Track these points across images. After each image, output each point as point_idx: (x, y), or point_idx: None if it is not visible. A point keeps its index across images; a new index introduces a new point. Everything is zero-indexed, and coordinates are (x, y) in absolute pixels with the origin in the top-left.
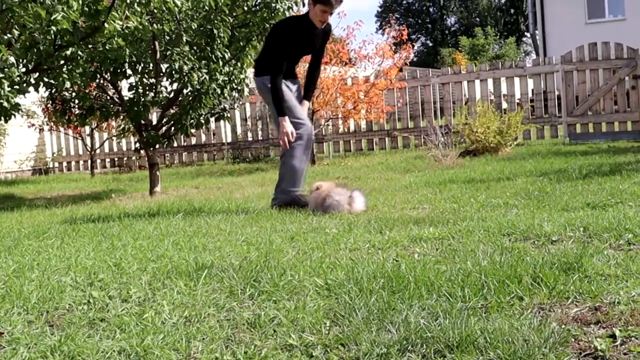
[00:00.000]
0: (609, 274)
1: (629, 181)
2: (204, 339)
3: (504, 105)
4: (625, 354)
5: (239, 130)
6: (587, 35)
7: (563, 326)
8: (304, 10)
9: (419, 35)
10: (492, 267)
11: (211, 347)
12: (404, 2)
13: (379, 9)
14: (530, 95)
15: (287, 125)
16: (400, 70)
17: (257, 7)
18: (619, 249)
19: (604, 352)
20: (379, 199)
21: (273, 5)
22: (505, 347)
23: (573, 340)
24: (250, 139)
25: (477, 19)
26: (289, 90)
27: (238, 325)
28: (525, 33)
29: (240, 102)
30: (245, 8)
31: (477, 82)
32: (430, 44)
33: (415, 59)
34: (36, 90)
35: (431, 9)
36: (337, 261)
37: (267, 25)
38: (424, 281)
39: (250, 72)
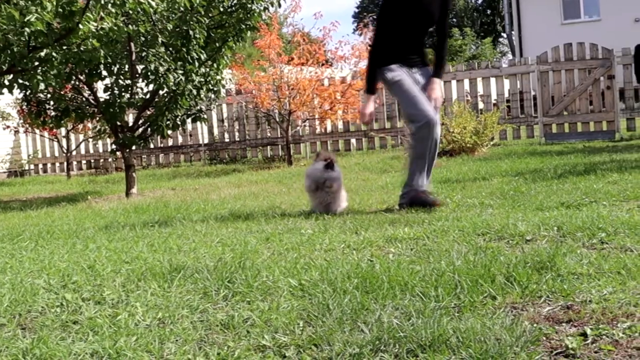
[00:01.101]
0: (582, 272)
1: (603, 180)
2: (177, 340)
3: (481, 105)
4: (595, 352)
5: (215, 131)
6: (562, 35)
7: (535, 325)
8: (280, 11)
9: None
10: (466, 267)
11: (184, 349)
12: (381, 2)
13: (356, 10)
14: (506, 95)
15: (368, 105)
16: None
17: (233, 8)
18: (592, 248)
19: (575, 351)
20: (355, 200)
21: (249, 6)
22: (477, 347)
23: (545, 339)
24: (227, 140)
25: (454, 19)
26: (410, 77)
27: (211, 326)
28: (502, 33)
29: (217, 103)
30: (221, 9)
31: (454, 82)
32: None
33: None
34: (10, 92)
35: None
36: (312, 262)
37: (243, 27)
38: (398, 281)
39: (226, 73)
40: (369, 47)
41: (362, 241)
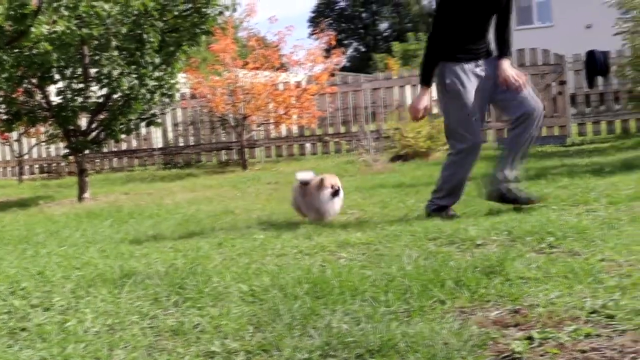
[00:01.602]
0: (530, 277)
1: (553, 185)
2: (126, 347)
3: (435, 110)
4: (541, 355)
5: (170, 135)
6: (516, 41)
7: (482, 329)
8: (236, 15)
9: (351, 41)
10: (416, 272)
11: (133, 355)
12: (337, 7)
13: (312, 15)
14: None
15: (422, 98)
16: (332, 75)
17: (187, 12)
18: (541, 252)
19: (521, 354)
20: None
21: (203, 10)
22: (425, 351)
23: (492, 342)
24: (181, 144)
25: (409, 24)
26: (471, 85)
27: (161, 332)
28: None
29: (172, 107)
30: (176, 13)
31: (408, 87)
32: (363, 49)
33: (348, 64)
34: None
35: (363, 15)
36: (264, 267)
37: (198, 31)
38: (349, 286)
39: (181, 77)
40: (429, 36)
41: (314, 246)
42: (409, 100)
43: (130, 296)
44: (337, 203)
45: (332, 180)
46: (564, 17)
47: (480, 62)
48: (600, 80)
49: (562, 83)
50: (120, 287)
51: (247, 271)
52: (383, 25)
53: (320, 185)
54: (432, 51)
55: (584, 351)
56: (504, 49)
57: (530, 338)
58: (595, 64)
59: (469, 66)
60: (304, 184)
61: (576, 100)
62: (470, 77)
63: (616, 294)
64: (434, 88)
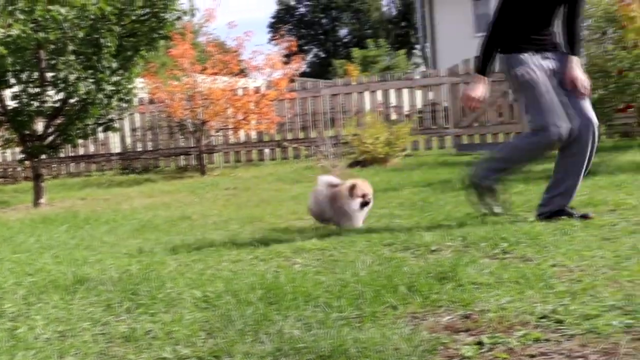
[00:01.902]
0: (482, 282)
1: (509, 191)
2: (77, 353)
3: (394, 116)
4: None
5: (128, 140)
6: (474, 48)
7: (433, 334)
8: (195, 20)
9: (311, 47)
10: (370, 278)
11: None
12: (297, 13)
13: (272, 20)
14: (419, 106)
15: (477, 87)
16: (292, 81)
17: (145, 17)
18: (494, 258)
19: (470, 359)
20: (266, 210)
21: (161, 15)
22: (376, 356)
23: (442, 347)
24: (139, 149)
25: (369, 30)
26: (543, 72)
27: (113, 339)
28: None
29: (129, 112)
30: (133, 17)
31: (367, 93)
32: (323, 55)
33: (308, 70)
34: None
35: (323, 21)
36: (218, 273)
37: (156, 35)
38: (302, 292)
39: (139, 81)
40: (490, 23)
41: (270, 252)
42: (368, 106)
43: (82, 302)
44: (365, 212)
45: (364, 188)
46: None
47: (548, 54)
48: None
49: None
50: (73, 293)
51: (201, 277)
52: (343, 32)
53: (352, 191)
54: (491, 40)
55: (532, 356)
56: (574, 44)
57: (480, 343)
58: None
59: (535, 57)
60: (333, 186)
61: None
62: (537, 63)
63: (566, 299)
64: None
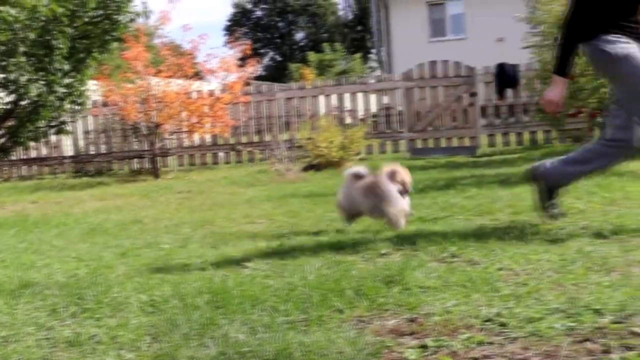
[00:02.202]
0: (429, 286)
1: (461, 195)
2: (19, 359)
3: (348, 120)
4: None
5: (81, 143)
6: (430, 53)
7: (378, 338)
8: (150, 22)
9: (268, 50)
10: (318, 281)
11: None
12: (253, 16)
13: (228, 23)
14: (373, 110)
15: (557, 90)
16: (248, 84)
17: (98, 19)
18: (442, 262)
19: None
20: (219, 214)
21: (114, 17)
22: None
23: (386, 351)
24: (93, 152)
25: (325, 34)
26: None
27: (57, 344)
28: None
29: (82, 115)
30: (86, 19)
31: (322, 97)
32: (280, 59)
33: (264, 74)
34: None
35: (280, 24)
36: (166, 277)
37: (108, 38)
38: (250, 296)
39: (92, 84)
40: (567, 16)
41: (219, 256)
42: (322, 110)
43: (27, 307)
44: (405, 201)
45: (404, 175)
46: (477, 30)
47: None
48: (509, 92)
49: (473, 95)
50: (18, 297)
51: (149, 281)
52: (299, 35)
53: (393, 177)
54: (571, 34)
55: (475, 359)
56: None
57: (424, 346)
58: (505, 77)
59: (625, 39)
60: (360, 177)
61: (486, 111)
62: (632, 42)
63: (511, 302)
64: None
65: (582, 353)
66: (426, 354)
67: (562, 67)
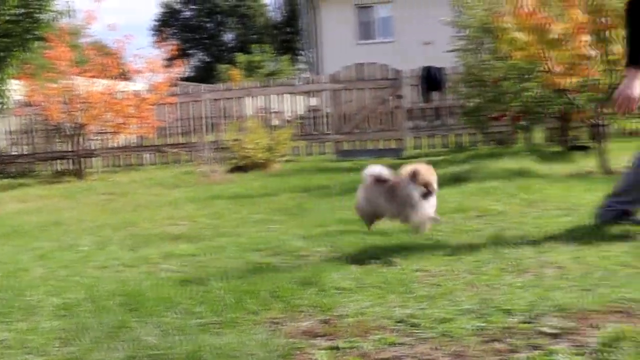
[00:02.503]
0: (345, 287)
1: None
2: None
3: (275, 122)
4: None
5: (2, 143)
6: (359, 55)
7: (291, 340)
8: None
9: (196, 51)
10: (234, 283)
11: None
12: (181, 17)
13: (156, 23)
14: (300, 112)
15: (634, 85)
16: (175, 85)
17: (19, 17)
18: (360, 263)
19: None
20: (142, 215)
21: (36, 15)
22: None
23: (298, 352)
24: (15, 153)
25: (254, 35)
26: None
27: None
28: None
29: (4, 115)
30: (7, 18)
31: (249, 98)
32: (208, 60)
33: (193, 74)
34: None
35: (208, 25)
36: (82, 280)
37: (30, 36)
38: (164, 298)
39: (13, 83)
40: (625, 4)
41: (138, 258)
42: (249, 112)
43: None
44: (433, 204)
45: (428, 175)
46: (404, 34)
47: None
48: (435, 95)
49: (399, 97)
50: None
51: (63, 284)
52: (228, 36)
53: (415, 178)
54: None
55: (386, 359)
56: None
57: (336, 348)
58: (431, 80)
59: None
60: (383, 180)
61: (413, 114)
62: None
63: (424, 303)
64: None
65: (490, 353)
66: (337, 355)
67: (635, 56)
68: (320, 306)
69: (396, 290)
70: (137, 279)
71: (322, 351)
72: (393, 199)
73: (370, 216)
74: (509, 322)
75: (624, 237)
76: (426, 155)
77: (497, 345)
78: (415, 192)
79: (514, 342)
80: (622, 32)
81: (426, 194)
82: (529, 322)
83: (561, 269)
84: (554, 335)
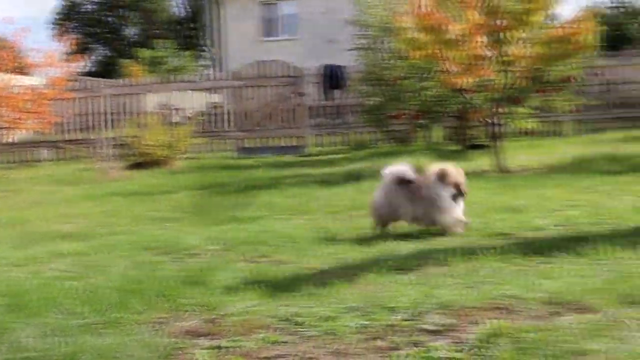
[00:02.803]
0: (233, 286)
1: (283, 194)
2: None
3: (177, 118)
4: None
5: None
6: (263, 52)
7: (174, 339)
8: None
9: (98, 45)
10: (121, 283)
11: None
12: (83, 10)
13: (56, 17)
14: (202, 109)
15: None
16: (75, 80)
17: None
18: (251, 262)
19: None
20: (35, 213)
21: None
22: None
23: (180, 352)
24: None
25: (157, 30)
26: None
27: None
28: (204, 47)
29: None
30: None
31: (150, 94)
32: (110, 54)
33: (94, 69)
34: None
35: (110, 19)
36: None
37: None
38: (49, 298)
39: None
40: None
41: (25, 257)
42: (150, 108)
43: None
44: (460, 207)
45: (457, 176)
46: (309, 31)
47: None
48: (337, 93)
49: (301, 95)
50: None
51: None
52: (130, 31)
53: (443, 179)
54: None
55: (268, 358)
56: None
57: (218, 347)
58: (332, 78)
59: None
60: (407, 182)
61: (314, 112)
62: None
63: (311, 301)
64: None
65: (372, 350)
66: (219, 354)
67: None
68: (207, 305)
69: (284, 288)
70: (23, 278)
71: (204, 351)
72: (417, 201)
73: (386, 218)
74: (392, 320)
75: (508, 235)
76: (327, 153)
77: (379, 342)
78: (445, 193)
79: (396, 340)
80: (517, 34)
81: (456, 196)
82: (411, 320)
83: (447, 266)
84: (435, 332)
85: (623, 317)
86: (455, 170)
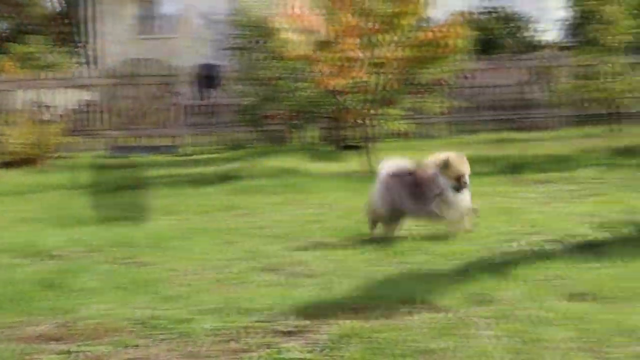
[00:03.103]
0: (91, 288)
1: (155, 194)
2: None
3: (48, 116)
4: None
5: None
6: (140, 50)
7: (22, 345)
8: None
9: None
10: None
11: None
12: None
13: None
14: (74, 106)
15: None
16: None
17: None
18: (114, 263)
19: None
20: None
21: None
22: None
23: (28, 358)
24: None
25: (30, 25)
26: None
27: None
28: (79, 44)
29: None
30: None
31: (20, 91)
32: None
33: None
34: None
35: None
36: None
37: None
38: None
39: None
40: None
41: None
42: (19, 105)
43: None
44: (465, 199)
45: (460, 166)
46: (186, 30)
47: None
48: (212, 92)
49: (176, 94)
50: None
51: None
52: (2, 25)
53: (446, 170)
54: None
55: None
56: None
57: (68, 352)
58: (208, 77)
59: None
60: (408, 174)
61: (190, 111)
62: None
63: (169, 303)
64: None
65: (225, 352)
66: (68, 359)
67: None
68: (61, 309)
69: (144, 290)
70: None
71: (53, 356)
72: (419, 196)
73: (389, 218)
74: (247, 322)
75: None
76: (202, 152)
77: (232, 344)
78: (447, 186)
79: (249, 342)
80: (388, 37)
81: (458, 188)
82: (266, 321)
83: (308, 267)
84: (289, 333)
85: (472, 315)
86: (458, 159)
